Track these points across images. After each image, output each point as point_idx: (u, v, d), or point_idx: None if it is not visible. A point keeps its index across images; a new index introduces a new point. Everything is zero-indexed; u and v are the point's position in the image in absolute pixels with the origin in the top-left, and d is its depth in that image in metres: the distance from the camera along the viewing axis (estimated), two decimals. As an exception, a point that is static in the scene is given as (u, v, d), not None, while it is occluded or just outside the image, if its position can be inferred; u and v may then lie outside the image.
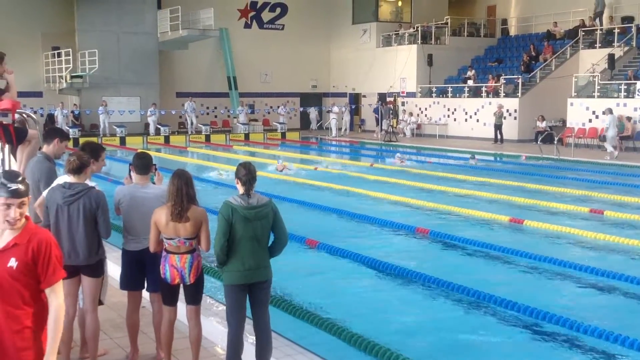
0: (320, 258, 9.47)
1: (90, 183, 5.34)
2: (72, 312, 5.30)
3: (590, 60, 26.80)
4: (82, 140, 24.88)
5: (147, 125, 30.17)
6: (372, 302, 7.70)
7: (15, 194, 3.29)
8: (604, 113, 22.95)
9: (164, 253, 5.17)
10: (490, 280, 8.44)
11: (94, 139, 26.10)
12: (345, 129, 33.05)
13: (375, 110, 32.10)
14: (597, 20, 28.55)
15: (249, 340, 5.30)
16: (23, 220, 3.35)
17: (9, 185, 3.29)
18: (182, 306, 5.43)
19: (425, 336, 6.71)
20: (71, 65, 28.27)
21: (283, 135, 31.55)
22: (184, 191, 5.03)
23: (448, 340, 6.60)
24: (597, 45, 27.63)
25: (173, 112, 30.94)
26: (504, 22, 34.76)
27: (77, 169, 5.15)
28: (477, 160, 20.93)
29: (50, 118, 28.12)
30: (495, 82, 28.75)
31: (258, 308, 5.13)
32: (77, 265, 5.11)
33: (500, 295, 7.31)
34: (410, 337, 6.62)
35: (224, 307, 5.21)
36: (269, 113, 34.01)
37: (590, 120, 24.89)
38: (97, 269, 5.26)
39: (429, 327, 6.94)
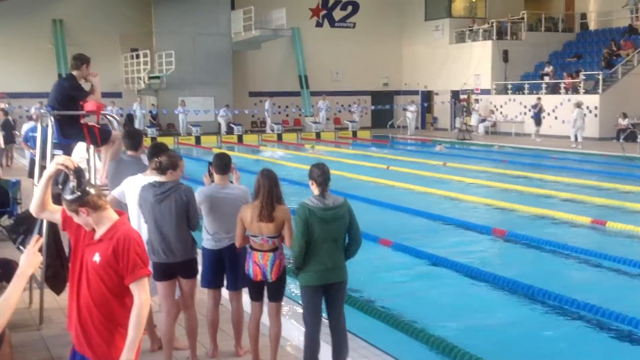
0: (394, 258, 9.39)
1: None
2: (174, 312, 5.40)
3: (676, 55, 25.61)
4: (160, 140, 25.67)
5: (220, 124, 30.71)
6: (448, 303, 7.57)
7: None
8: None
9: (249, 249, 5.24)
10: (571, 283, 8.17)
11: (171, 139, 26.86)
12: (417, 127, 32.69)
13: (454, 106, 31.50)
14: None
15: (326, 341, 5.29)
16: (89, 220, 3.42)
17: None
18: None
19: (504, 340, 6.54)
20: (149, 66, 29.07)
21: (354, 134, 31.49)
22: (273, 192, 5.08)
23: (530, 345, 6.41)
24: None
25: (247, 112, 31.36)
26: (583, 16, 33.59)
27: (165, 169, 5.28)
28: (442, 147, 22.26)
29: (130, 118, 28.98)
30: (574, 79, 27.80)
31: (334, 309, 5.12)
32: (173, 264, 5.22)
33: (583, 299, 7.05)
34: (487, 340, 6.47)
35: (300, 307, 5.21)
36: (339, 112, 34.02)
37: (676, 117, 23.77)
38: (191, 269, 5.36)
39: (507, 331, 6.77)
